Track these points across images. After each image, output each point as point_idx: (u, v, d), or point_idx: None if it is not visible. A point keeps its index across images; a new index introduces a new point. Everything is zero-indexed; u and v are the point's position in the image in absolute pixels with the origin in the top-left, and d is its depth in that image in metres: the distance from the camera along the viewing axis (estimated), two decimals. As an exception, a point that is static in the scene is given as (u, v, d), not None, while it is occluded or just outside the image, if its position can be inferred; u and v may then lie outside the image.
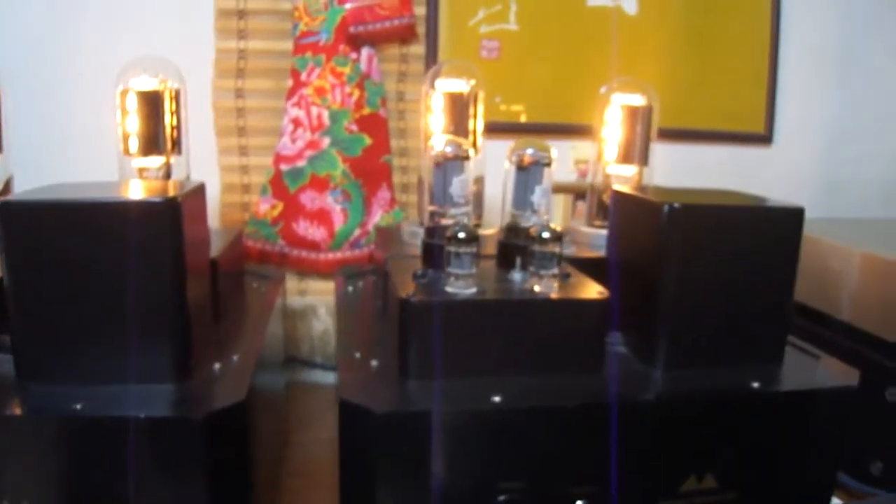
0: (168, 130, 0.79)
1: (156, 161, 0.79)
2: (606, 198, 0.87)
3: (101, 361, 0.58)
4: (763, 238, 0.67)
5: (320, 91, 1.02)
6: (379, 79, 1.03)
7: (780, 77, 1.20)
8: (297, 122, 1.02)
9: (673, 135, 1.12)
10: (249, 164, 1.04)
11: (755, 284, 0.67)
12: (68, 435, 0.54)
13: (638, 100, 0.87)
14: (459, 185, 0.69)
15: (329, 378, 1.05)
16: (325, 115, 1.02)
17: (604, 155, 0.88)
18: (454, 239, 0.63)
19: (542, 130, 1.09)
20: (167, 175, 0.79)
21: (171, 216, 0.58)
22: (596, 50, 1.12)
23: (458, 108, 0.81)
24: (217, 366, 0.63)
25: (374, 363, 0.64)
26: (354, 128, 1.03)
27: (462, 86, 0.81)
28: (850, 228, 1.02)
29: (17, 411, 0.55)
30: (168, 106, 0.79)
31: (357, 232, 1.04)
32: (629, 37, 1.13)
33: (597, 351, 0.65)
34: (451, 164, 0.69)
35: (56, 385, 0.58)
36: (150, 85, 0.78)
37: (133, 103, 0.78)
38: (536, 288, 0.64)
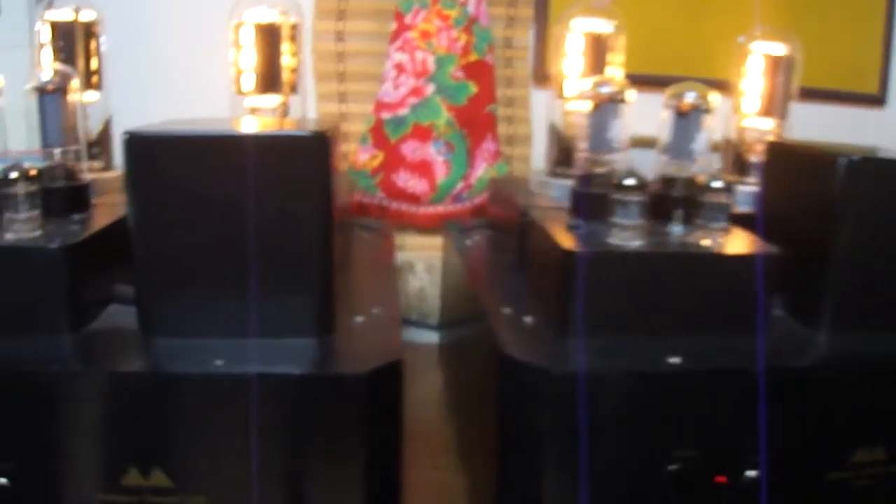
0: (286, 67, 0.74)
1: (272, 100, 0.74)
2: (745, 153, 0.81)
3: (235, 313, 0.53)
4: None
5: (426, 35, 0.96)
6: (487, 23, 0.97)
7: None
8: (400, 68, 0.97)
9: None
10: (349, 112, 0.99)
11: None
12: (208, 395, 0.49)
13: (780, 49, 0.81)
14: (617, 130, 0.64)
15: (425, 336, 1.01)
16: (431, 60, 0.96)
17: (741, 108, 0.82)
18: (621, 186, 0.58)
19: (656, 83, 1.02)
20: (285, 115, 0.74)
21: (321, 152, 0.53)
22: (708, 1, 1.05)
23: (598, 51, 0.75)
24: (359, 319, 0.59)
25: (527, 319, 0.59)
26: (460, 75, 0.97)
27: (604, 26, 0.75)
28: None
29: (149, 368, 0.51)
30: (286, 41, 0.74)
31: (459, 185, 0.98)
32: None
33: (767, 311, 0.60)
34: (608, 106, 0.63)
35: (185, 339, 0.53)
36: (269, 17, 0.73)
37: (249, 37, 0.73)
38: (704, 242, 0.59)
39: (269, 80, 0.73)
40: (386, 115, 0.97)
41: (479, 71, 0.98)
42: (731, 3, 1.05)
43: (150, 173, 0.52)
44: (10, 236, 0.54)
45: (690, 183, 0.64)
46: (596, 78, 0.65)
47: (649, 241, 0.58)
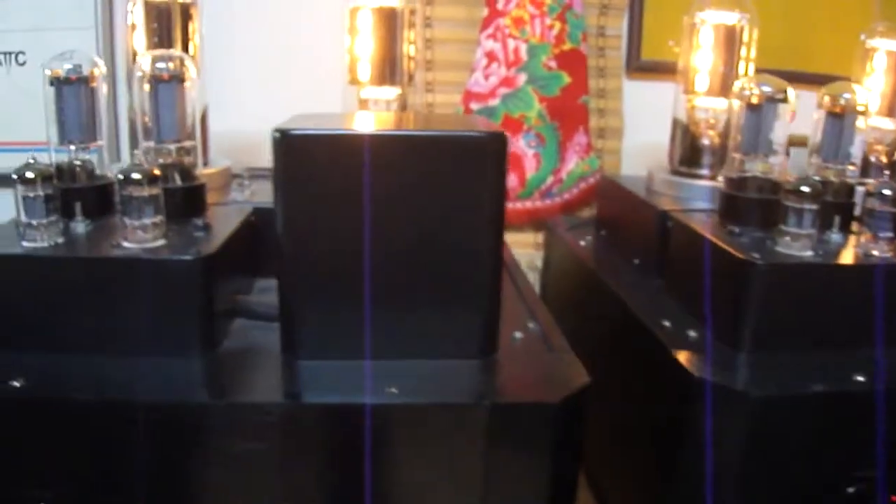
0: (405, 56, 0.70)
1: (389, 92, 0.70)
2: (869, 152, 0.78)
3: (396, 332, 0.49)
4: None
5: (518, 22, 0.92)
6: (581, 11, 0.93)
7: None
8: (491, 56, 0.93)
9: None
10: (435, 102, 0.95)
11: None
12: (384, 424, 0.45)
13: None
14: (776, 132, 0.60)
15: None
16: (523, 48, 0.92)
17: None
18: (796, 193, 0.55)
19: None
20: (403, 109, 0.70)
21: (499, 154, 0.49)
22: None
23: (729, 44, 0.71)
24: (518, 335, 0.55)
25: (692, 334, 0.56)
26: (553, 64, 0.93)
27: (733, 18, 0.71)
28: None
29: (305, 400, 0.46)
30: (406, 27, 0.70)
31: (550, 180, 0.95)
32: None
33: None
34: (767, 106, 0.60)
35: (334, 361, 0.48)
36: (389, 1, 0.69)
37: (367, 22, 0.68)
38: (875, 252, 0.56)
39: (388, 69, 0.69)
40: (475, 106, 0.93)
41: (572, 60, 0.94)
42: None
43: (307, 175, 0.47)
44: (132, 245, 0.49)
45: (846, 188, 0.61)
46: (749, 76, 0.61)
47: (822, 251, 0.55)
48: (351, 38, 0.69)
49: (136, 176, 0.50)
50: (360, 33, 0.69)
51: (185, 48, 0.71)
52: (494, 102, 0.93)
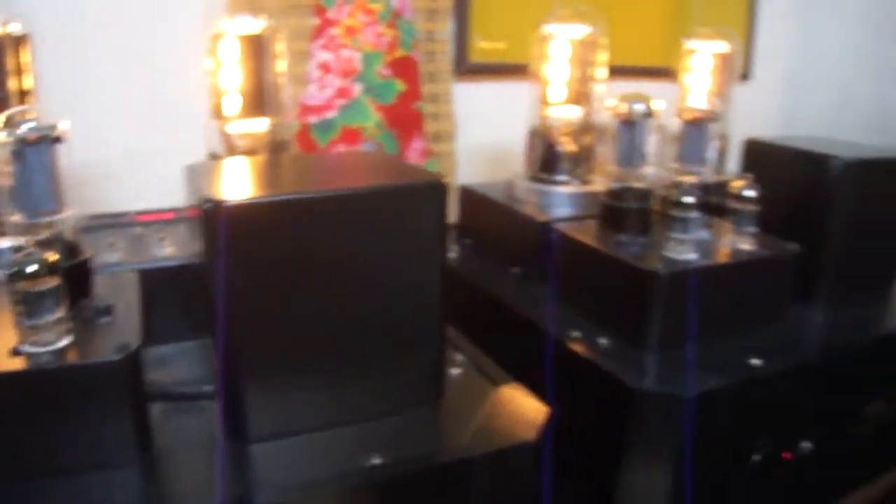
0: (275, 84, 0.66)
1: (259, 124, 0.66)
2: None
3: (352, 394, 0.47)
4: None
5: (351, 31, 0.90)
6: (411, 16, 0.93)
7: (758, 15, 1.27)
8: (325, 68, 0.90)
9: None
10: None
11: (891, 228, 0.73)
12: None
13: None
14: (648, 145, 0.66)
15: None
16: (357, 58, 0.91)
17: (684, 101, 0.88)
18: (680, 203, 0.61)
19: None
20: (275, 142, 0.67)
21: (439, 202, 0.48)
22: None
23: (581, 55, 0.76)
24: (454, 371, 0.55)
25: (602, 341, 0.60)
26: (387, 72, 0.93)
27: (581, 31, 0.75)
28: None
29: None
30: (274, 53, 0.66)
31: (394, 187, 0.95)
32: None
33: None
34: (640, 123, 0.65)
35: (288, 439, 0.45)
36: (254, 27, 0.64)
37: (232, 51, 0.64)
38: (746, 246, 0.64)
39: (257, 100, 0.65)
40: (313, 119, 0.90)
41: (405, 67, 0.94)
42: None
43: (247, 246, 0.43)
44: (36, 350, 0.42)
45: (724, 189, 0.68)
46: (625, 95, 0.66)
47: (705, 253, 0.62)
48: (214, 67, 0.64)
49: (31, 269, 0.43)
50: (224, 64, 0.64)
51: (19, 84, 0.62)
52: (332, 114, 0.91)
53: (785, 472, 0.62)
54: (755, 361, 0.58)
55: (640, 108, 0.64)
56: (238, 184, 0.48)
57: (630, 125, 0.65)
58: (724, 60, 0.85)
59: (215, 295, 0.43)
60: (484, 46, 1.00)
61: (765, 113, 1.31)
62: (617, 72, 0.98)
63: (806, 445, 0.63)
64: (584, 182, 0.75)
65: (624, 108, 0.64)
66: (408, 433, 0.47)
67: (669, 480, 0.55)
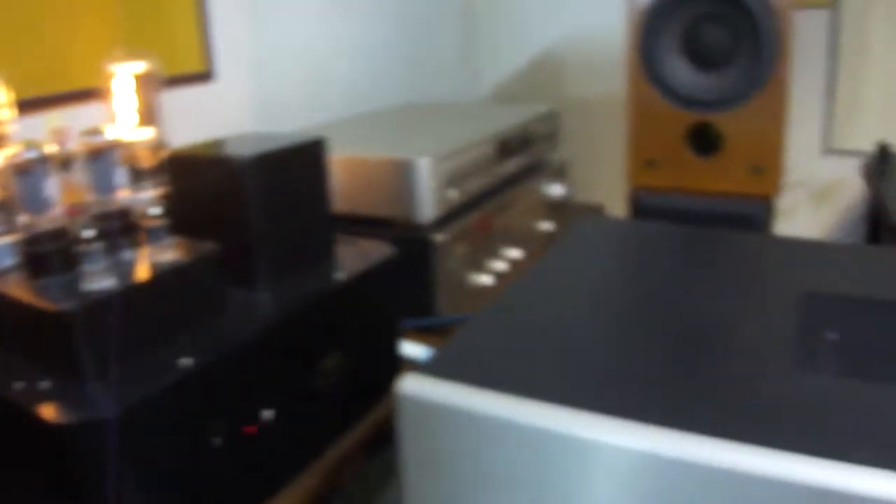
0: None
1: None
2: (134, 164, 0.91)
3: None
4: (307, 166, 0.85)
5: None
6: None
7: (211, 12, 1.32)
8: None
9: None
10: None
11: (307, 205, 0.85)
12: None
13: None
14: (50, 187, 0.68)
15: None
16: None
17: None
18: (84, 239, 0.65)
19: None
20: None
21: None
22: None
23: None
24: None
25: (44, 384, 0.62)
26: None
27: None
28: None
29: None
30: None
31: None
32: None
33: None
34: (37, 169, 0.67)
35: None
36: None
37: None
38: (167, 257, 0.70)
39: None
40: None
41: None
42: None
43: None
44: None
45: (129, 212, 0.73)
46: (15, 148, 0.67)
47: (124, 276, 0.67)
48: None
49: None
50: None
51: None
52: None
53: (253, 445, 0.71)
54: (186, 361, 0.65)
55: (31, 155, 0.66)
56: None
57: (27, 173, 0.66)
58: (146, 79, 0.90)
59: None
60: None
61: (238, 109, 1.40)
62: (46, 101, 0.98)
63: (268, 414, 0.72)
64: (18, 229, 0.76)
65: (22, 156, 0.66)
66: None
67: (133, 499, 0.60)
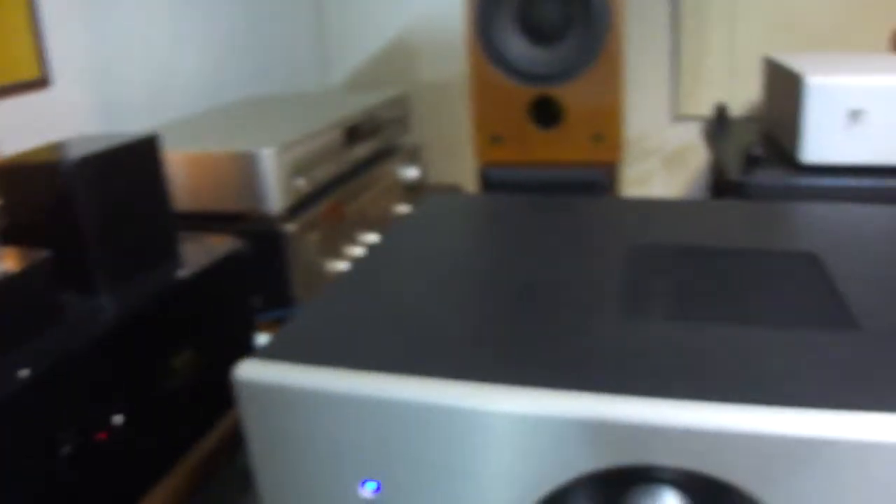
0: None
1: None
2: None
3: None
4: (141, 165, 0.83)
5: None
6: None
7: (42, 18, 1.26)
8: None
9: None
10: None
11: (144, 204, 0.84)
12: None
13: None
14: None
15: None
16: None
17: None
18: None
19: None
20: None
21: None
22: None
23: None
24: None
25: None
26: None
27: None
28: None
29: None
30: None
31: None
32: None
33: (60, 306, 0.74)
34: None
35: None
36: None
37: None
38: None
39: None
40: None
41: None
42: None
43: None
44: None
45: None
46: None
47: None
48: None
49: None
50: None
51: None
52: None
53: (106, 452, 0.70)
54: (23, 372, 0.63)
55: None
56: None
57: None
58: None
59: None
60: None
61: (78, 115, 1.35)
62: None
63: (118, 419, 0.71)
64: None
65: None
66: None
67: None
